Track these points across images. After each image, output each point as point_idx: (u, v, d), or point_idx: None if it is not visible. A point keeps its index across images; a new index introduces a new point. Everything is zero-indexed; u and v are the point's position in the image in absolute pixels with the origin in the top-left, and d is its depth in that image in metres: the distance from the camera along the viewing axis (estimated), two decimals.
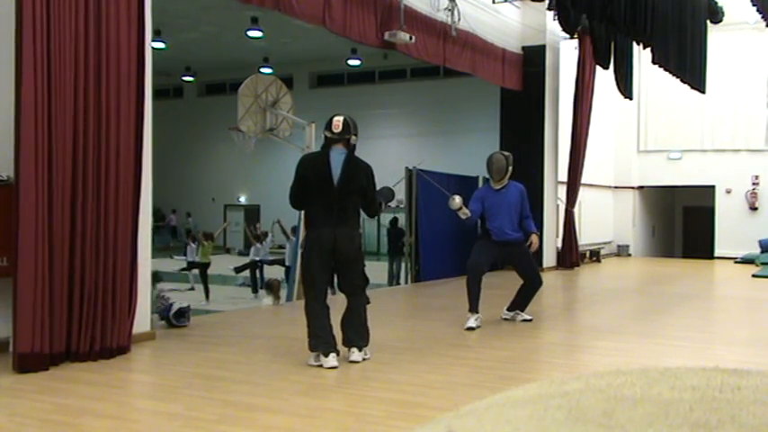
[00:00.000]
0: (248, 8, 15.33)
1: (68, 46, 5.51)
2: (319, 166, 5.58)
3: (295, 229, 14.23)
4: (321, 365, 5.48)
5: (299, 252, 11.71)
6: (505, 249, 7.57)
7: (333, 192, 5.53)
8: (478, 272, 7.51)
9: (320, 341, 5.51)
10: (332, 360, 5.46)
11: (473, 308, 7.44)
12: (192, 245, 16.24)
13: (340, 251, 5.56)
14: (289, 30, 20.37)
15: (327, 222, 5.52)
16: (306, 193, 5.64)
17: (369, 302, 5.87)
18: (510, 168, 7.63)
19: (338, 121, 5.63)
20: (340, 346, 5.68)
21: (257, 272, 16.15)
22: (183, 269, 16.84)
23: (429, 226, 12.73)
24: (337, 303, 5.88)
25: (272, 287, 10.28)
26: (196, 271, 16.08)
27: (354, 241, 5.66)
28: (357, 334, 5.72)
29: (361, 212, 5.97)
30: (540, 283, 7.87)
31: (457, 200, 7.22)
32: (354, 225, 5.72)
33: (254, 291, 15.83)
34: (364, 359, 5.72)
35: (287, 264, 14.05)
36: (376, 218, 5.98)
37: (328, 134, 5.64)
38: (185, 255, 16.94)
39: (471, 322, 7.37)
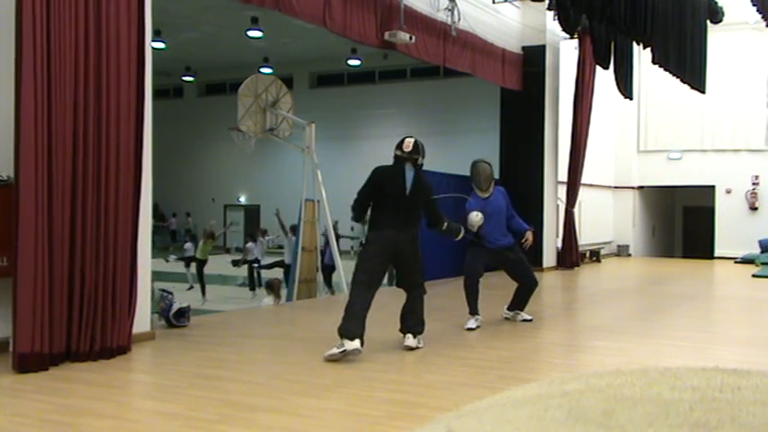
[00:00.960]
0: (248, 8, 15.33)
1: (68, 46, 5.51)
2: (395, 177, 6.24)
3: (294, 228, 14.24)
4: (344, 350, 5.64)
5: (296, 250, 11.74)
6: (498, 254, 7.59)
7: (404, 200, 6.19)
8: (476, 276, 7.54)
9: (350, 325, 5.78)
10: (356, 343, 5.70)
11: (473, 310, 7.49)
12: (191, 243, 16.24)
13: (403, 252, 6.19)
14: (289, 30, 20.38)
15: (393, 226, 6.12)
16: (377, 199, 6.24)
17: (426, 292, 6.51)
18: (493, 174, 7.76)
19: (409, 143, 6.30)
20: (397, 334, 6.33)
21: (255, 270, 16.13)
22: (180, 258, 16.87)
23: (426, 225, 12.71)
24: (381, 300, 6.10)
25: (273, 287, 10.27)
26: (194, 270, 16.05)
27: (415, 244, 6.28)
28: (416, 322, 6.37)
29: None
30: (535, 284, 7.90)
31: (480, 216, 7.27)
32: (416, 231, 6.34)
33: (252, 289, 15.81)
34: (418, 346, 6.28)
35: (287, 262, 14.03)
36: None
37: (399, 153, 6.30)
38: (183, 254, 16.95)
39: (471, 323, 7.41)
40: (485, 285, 7.90)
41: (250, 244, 16.47)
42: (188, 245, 17.01)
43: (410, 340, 6.30)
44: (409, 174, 6.25)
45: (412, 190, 6.23)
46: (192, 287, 16.11)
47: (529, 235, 7.78)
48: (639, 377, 0.83)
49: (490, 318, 7.91)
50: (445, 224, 6.62)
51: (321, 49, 23.60)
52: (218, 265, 17.71)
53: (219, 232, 17.88)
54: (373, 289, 6.08)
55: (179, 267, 17.15)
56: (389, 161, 6.39)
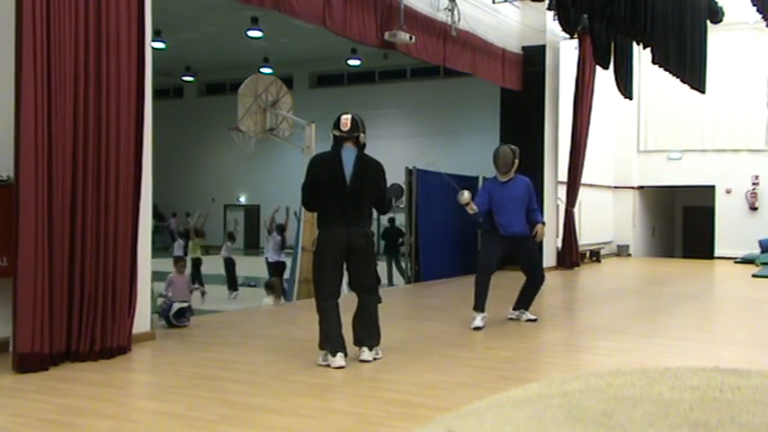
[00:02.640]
0: (248, 8, 15.33)
1: (68, 46, 5.51)
2: (331, 166, 5.58)
3: (279, 227, 14.23)
4: (329, 365, 5.47)
5: (297, 251, 11.73)
6: (512, 244, 7.57)
7: (346, 191, 5.53)
8: (489, 271, 7.54)
9: (329, 340, 5.51)
10: (339, 360, 5.43)
11: (479, 306, 7.43)
12: (180, 241, 16.10)
13: (354, 249, 5.56)
14: (289, 30, 20.38)
15: (341, 221, 5.52)
16: (319, 192, 5.63)
17: (381, 301, 5.87)
18: (516, 161, 7.62)
19: (347, 119, 5.63)
20: (350, 346, 5.68)
21: (232, 269, 15.81)
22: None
23: (429, 226, 12.73)
24: (348, 302, 5.87)
25: (273, 287, 10.23)
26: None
27: (368, 239, 5.67)
28: (368, 333, 5.70)
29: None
30: (542, 279, 7.89)
31: (466, 194, 7.23)
32: (367, 223, 5.72)
33: (230, 288, 15.46)
34: (375, 358, 5.70)
35: (270, 261, 13.99)
36: (377, 216, 6.03)
37: (337, 133, 5.63)
38: (172, 252, 16.72)
39: (478, 321, 7.35)
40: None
41: (228, 243, 16.29)
42: (176, 243, 16.79)
43: (365, 354, 5.66)
44: (350, 157, 5.56)
45: (354, 176, 5.54)
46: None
47: (539, 227, 7.70)
48: (639, 377, 0.83)
49: (491, 318, 7.91)
50: (392, 200, 6.12)
51: (321, 49, 23.60)
52: (218, 264, 17.67)
53: (200, 221, 17.25)
54: (337, 294, 5.65)
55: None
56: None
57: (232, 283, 15.13)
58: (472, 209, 7.30)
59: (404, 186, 6.78)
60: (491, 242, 7.57)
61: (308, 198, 5.75)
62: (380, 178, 5.76)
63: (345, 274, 5.82)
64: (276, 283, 10.57)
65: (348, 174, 5.55)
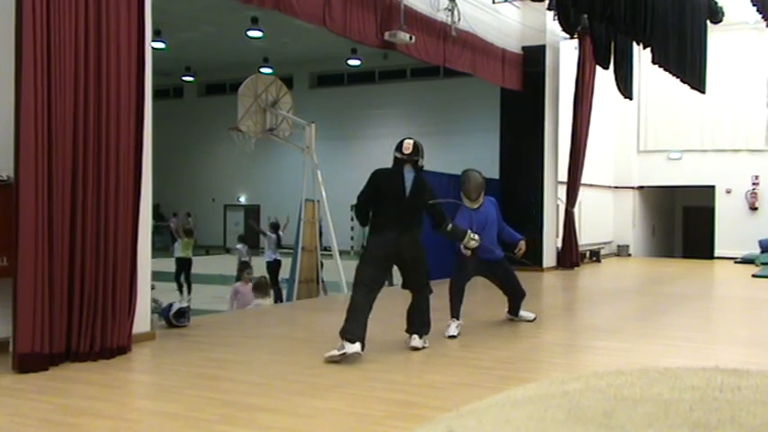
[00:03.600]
0: (248, 8, 15.32)
1: (68, 46, 5.51)
2: (394, 180, 6.22)
3: (274, 226, 14.24)
4: (344, 353, 5.62)
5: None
6: (488, 267, 7.44)
7: (404, 203, 6.16)
8: (464, 279, 7.38)
9: (352, 328, 5.77)
10: (356, 347, 5.68)
11: (455, 313, 7.22)
12: (179, 242, 16.10)
13: (406, 254, 6.19)
14: (289, 30, 20.38)
15: (394, 228, 6.10)
16: (376, 201, 6.21)
17: (431, 292, 6.49)
18: (484, 184, 7.45)
19: (409, 144, 6.27)
20: (403, 334, 6.38)
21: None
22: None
23: (429, 226, 12.70)
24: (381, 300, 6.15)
25: (261, 287, 10.06)
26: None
27: (418, 246, 6.27)
28: (420, 322, 6.38)
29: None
30: (522, 295, 7.80)
31: (477, 238, 6.78)
32: (418, 233, 6.30)
33: (180, 291, 15.26)
34: (424, 346, 6.29)
35: (267, 260, 13.98)
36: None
37: (399, 155, 6.26)
38: (172, 252, 16.71)
39: (453, 330, 7.08)
40: (483, 285, 7.90)
41: (239, 245, 16.31)
42: (177, 243, 16.77)
43: (416, 341, 6.32)
44: (409, 175, 6.23)
45: (412, 192, 6.21)
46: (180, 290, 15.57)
47: (521, 244, 7.58)
48: (639, 377, 0.83)
49: (491, 318, 7.92)
50: (450, 225, 6.57)
51: (321, 49, 23.60)
52: (218, 265, 17.70)
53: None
54: (375, 291, 6.05)
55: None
56: (389, 161, 6.35)
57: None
58: (478, 242, 6.90)
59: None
60: (465, 260, 7.22)
61: (364, 204, 6.31)
62: (432, 197, 6.39)
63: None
64: (263, 282, 10.42)
65: (407, 189, 6.19)
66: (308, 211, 11.92)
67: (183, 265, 15.43)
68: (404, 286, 6.58)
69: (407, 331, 6.41)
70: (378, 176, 6.34)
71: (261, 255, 16.45)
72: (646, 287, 13.40)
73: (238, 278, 15.01)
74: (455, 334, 7.08)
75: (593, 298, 11.59)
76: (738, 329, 8.45)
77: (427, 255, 6.46)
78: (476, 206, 7.34)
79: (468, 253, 6.96)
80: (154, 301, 7.57)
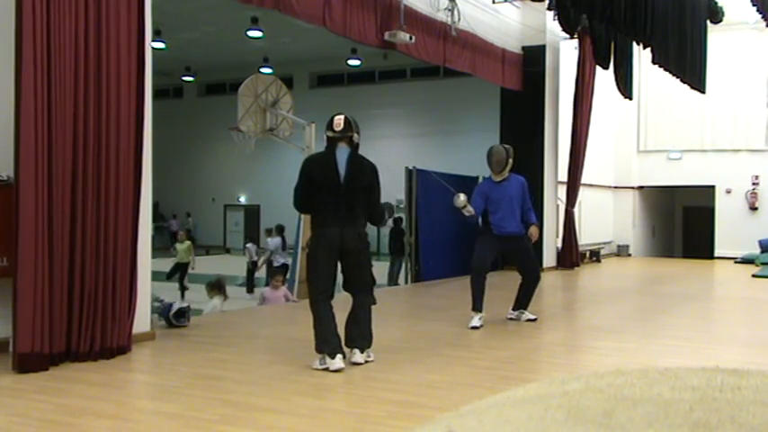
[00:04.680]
0: (248, 8, 15.32)
1: (68, 46, 5.51)
2: (325, 165, 5.58)
3: (279, 228, 14.26)
4: (327, 368, 5.40)
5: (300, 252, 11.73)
6: (506, 243, 7.57)
7: (340, 190, 5.51)
8: (483, 270, 7.51)
9: (326, 343, 5.44)
10: (338, 362, 5.36)
11: (477, 306, 7.44)
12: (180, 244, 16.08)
13: (348, 249, 5.53)
14: (289, 30, 20.37)
15: (335, 221, 5.48)
16: (312, 193, 5.60)
17: (375, 303, 5.83)
18: (510, 161, 7.62)
19: (339, 120, 5.62)
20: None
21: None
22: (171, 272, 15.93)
23: (429, 226, 12.72)
24: (340, 303, 5.86)
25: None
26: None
27: (362, 239, 5.63)
28: (361, 335, 5.66)
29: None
30: (537, 278, 7.91)
31: (461, 197, 7.22)
32: (362, 223, 5.67)
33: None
34: (367, 361, 5.65)
35: (275, 265, 14.00)
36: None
37: (330, 133, 5.62)
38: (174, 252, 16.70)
39: (476, 321, 7.37)
40: (487, 286, 7.90)
41: (249, 245, 16.36)
42: (176, 246, 16.74)
43: (357, 356, 5.59)
44: (343, 157, 5.55)
45: (348, 175, 5.53)
46: (186, 288, 15.59)
47: (533, 229, 7.69)
48: (639, 377, 0.83)
49: (491, 318, 7.91)
50: (386, 215, 6.02)
51: (321, 49, 23.59)
52: (218, 265, 17.69)
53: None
54: (330, 297, 5.58)
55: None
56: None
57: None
58: (469, 211, 7.29)
59: (393, 205, 6.66)
60: (485, 242, 7.55)
61: (301, 198, 5.70)
62: (375, 178, 5.70)
63: (339, 275, 5.77)
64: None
65: (342, 173, 5.53)
66: None
67: (181, 269, 15.41)
68: (345, 287, 5.81)
69: (346, 345, 5.59)
70: (308, 164, 5.72)
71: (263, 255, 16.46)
72: (646, 287, 13.39)
73: (248, 280, 15.05)
74: (478, 325, 7.33)
75: (593, 298, 11.59)
76: (738, 329, 8.45)
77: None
78: (499, 179, 7.56)
79: (458, 207, 7.20)
80: (159, 300, 7.57)
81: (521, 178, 7.74)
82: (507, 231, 7.47)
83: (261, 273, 15.77)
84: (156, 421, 4.31)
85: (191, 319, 7.47)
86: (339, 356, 5.40)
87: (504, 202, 7.46)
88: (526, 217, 7.69)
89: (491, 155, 7.60)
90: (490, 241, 7.49)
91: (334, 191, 5.50)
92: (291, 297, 9.73)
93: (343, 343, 5.56)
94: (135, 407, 4.80)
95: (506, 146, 7.75)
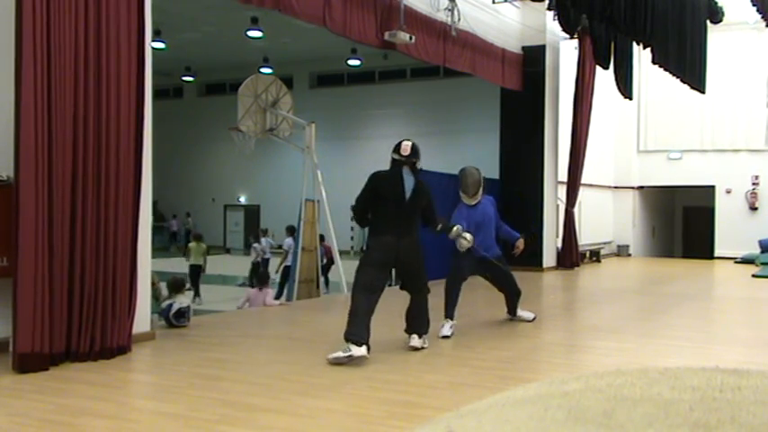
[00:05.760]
0: (248, 8, 15.33)
1: (68, 46, 5.51)
2: (393, 182, 6.17)
3: (290, 229, 14.22)
4: (351, 355, 5.58)
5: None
6: (483, 264, 7.40)
7: (403, 204, 6.13)
8: (460, 279, 7.37)
9: (356, 332, 5.74)
10: (363, 350, 5.66)
11: (449, 314, 7.20)
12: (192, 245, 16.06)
13: (405, 258, 6.19)
14: (289, 30, 20.39)
15: (394, 232, 6.09)
16: (374, 204, 6.20)
17: (429, 291, 6.50)
18: (482, 182, 7.46)
19: (407, 146, 6.23)
20: (403, 334, 6.41)
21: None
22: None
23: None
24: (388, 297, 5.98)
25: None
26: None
27: (417, 249, 6.28)
28: (419, 323, 6.40)
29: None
30: (518, 294, 7.80)
31: (468, 237, 6.94)
32: (417, 236, 6.32)
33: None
34: (423, 346, 6.31)
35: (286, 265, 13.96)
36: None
37: (397, 156, 6.23)
38: (186, 257, 16.69)
39: (447, 330, 7.05)
40: (484, 285, 7.90)
41: (256, 244, 16.34)
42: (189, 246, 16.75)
43: (415, 341, 6.34)
44: (408, 178, 6.20)
45: (412, 194, 6.18)
46: (190, 288, 15.50)
47: (519, 243, 7.65)
48: (639, 377, 0.83)
49: (491, 318, 7.92)
50: (439, 226, 6.64)
51: (321, 49, 23.60)
52: (218, 265, 17.69)
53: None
54: (376, 294, 6.01)
55: (182, 267, 16.90)
56: (389, 161, 6.32)
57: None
58: (470, 242, 6.99)
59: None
60: (462, 259, 7.26)
61: (362, 207, 6.28)
62: (430, 200, 6.40)
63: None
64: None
65: (408, 191, 6.16)
66: (308, 211, 11.92)
67: (195, 271, 15.22)
68: (403, 287, 6.59)
69: (407, 331, 6.43)
70: (377, 179, 6.30)
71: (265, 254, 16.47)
72: (646, 287, 13.40)
73: (251, 279, 14.94)
74: (448, 334, 7.02)
75: (593, 298, 11.59)
76: (738, 329, 8.45)
77: (427, 255, 6.47)
78: (473, 203, 7.36)
79: (463, 248, 7.00)
80: (160, 297, 7.53)
81: (490, 197, 7.62)
82: (485, 255, 7.28)
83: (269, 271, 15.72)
84: (156, 421, 4.31)
85: (191, 319, 7.48)
86: (365, 347, 5.70)
87: (485, 224, 7.33)
88: (503, 234, 7.64)
89: (465, 177, 7.38)
90: (467, 259, 7.22)
91: (398, 205, 6.13)
92: (273, 302, 9.67)
93: (402, 331, 6.43)
94: (135, 407, 4.80)
95: (475, 168, 7.58)
